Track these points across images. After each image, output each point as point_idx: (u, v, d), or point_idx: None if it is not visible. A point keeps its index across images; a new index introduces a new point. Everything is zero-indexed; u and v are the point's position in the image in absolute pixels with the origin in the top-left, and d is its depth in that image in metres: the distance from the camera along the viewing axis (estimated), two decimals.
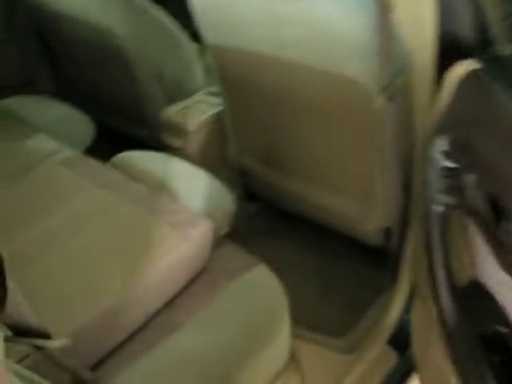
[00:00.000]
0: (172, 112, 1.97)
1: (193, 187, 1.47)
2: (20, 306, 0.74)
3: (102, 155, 1.67)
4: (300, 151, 1.68)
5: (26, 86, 2.34)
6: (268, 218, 2.08)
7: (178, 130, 1.93)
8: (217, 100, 1.92)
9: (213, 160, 2.00)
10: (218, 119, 1.93)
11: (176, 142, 1.96)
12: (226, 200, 1.50)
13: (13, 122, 1.79)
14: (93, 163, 1.55)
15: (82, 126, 1.94)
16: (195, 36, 1.85)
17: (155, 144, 2.06)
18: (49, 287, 1.18)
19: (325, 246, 1.91)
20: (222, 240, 1.42)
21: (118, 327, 1.17)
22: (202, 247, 1.29)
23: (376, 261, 1.78)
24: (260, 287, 1.32)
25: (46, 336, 0.76)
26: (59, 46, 2.28)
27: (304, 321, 1.55)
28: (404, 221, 1.66)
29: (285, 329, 1.27)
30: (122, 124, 2.26)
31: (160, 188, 1.42)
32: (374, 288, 1.73)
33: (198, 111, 1.98)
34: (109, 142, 2.23)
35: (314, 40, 1.32)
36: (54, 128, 1.85)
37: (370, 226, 1.64)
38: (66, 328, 1.09)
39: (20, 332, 0.73)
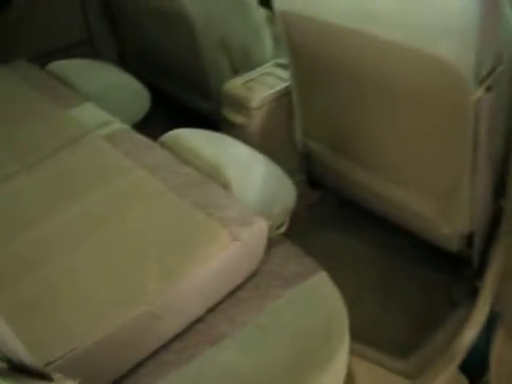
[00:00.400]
0: (235, 85, 1.79)
1: (250, 176, 1.28)
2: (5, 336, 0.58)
3: (155, 128, 1.51)
4: (374, 139, 1.48)
5: (84, 47, 2.22)
6: (331, 208, 1.89)
7: (241, 105, 1.75)
8: (286, 73, 1.72)
9: (276, 141, 1.81)
10: (285, 95, 1.74)
11: (237, 119, 1.78)
12: (287, 193, 1.31)
13: (63, 88, 1.65)
14: (141, 140, 1.39)
15: (137, 96, 1.78)
16: (264, 1, 1.66)
17: (215, 119, 1.89)
18: (74, 285, 1.04)
19: (392, 245, 1.71)
20: (277, 239, 1.24)
21: (151, 335, 1.02)
22: (253, 249, 1.12)
23: (452, 269, 1.57)
24: (318, 300, 1.14)
25: (45, 376, 0.60)
26: (122, 9, 2.13)
27: (360, 333, 1.36)
28: (492, 227, 1.44)
29: (343, 353, 1.09)
30: (182, 94, 2.10)
31: (211, 174, 1.24)
32: (446, 302, 1.52)
33: (263, 85, 1.80)
34: (165, 113, 2.07)
35: (406, 13, 1.11)
36: (107, 96, 1.70)
37: (449, 229, 1.42)
38: (92, 335, 0.95)
39: (16, 367, 0.59)
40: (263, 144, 1.78)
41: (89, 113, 1.52)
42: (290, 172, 1.85)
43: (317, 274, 1.17)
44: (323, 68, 1.47)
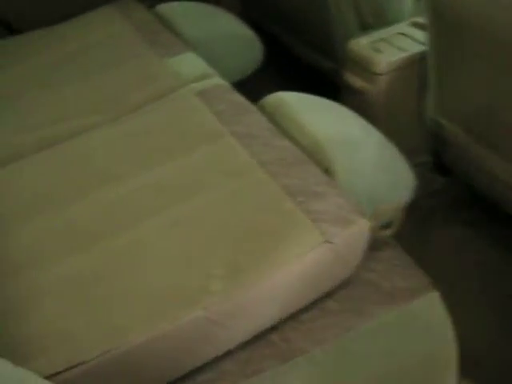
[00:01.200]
0: (361, 44, 1.54)
1: (359, 160, 1.03)
2: None
3: (265, 87, 1.30)
4: None
5: None
6: (457, 199, 1.60)
7: (364, 68, 1.50)
8: (423, 35, 1.44)
9: (401, 114, 1.56)
10: (419, 61, 1.47)
11: (359, 83, 1.53)
12: (404, 184, 1.06)
13: (167, 33, 1.47)
14: (238, 101, 1.18)
15: (248, 47, 1.56)
16: None
17: (337, 81, 1.65)
18: (134, 266, 0.87)
19: None
20: (384, 241, 1.00)
21: (207, 343, 0.84)
22: (348, 254, 0.89)
23: None
24: (424, 328, 0.90)
25: None
26: None
27: (471, 368, 1.11)
28: None
29: None
30: (303, 50, 1.87)
31: (314, 153, 1.02)
32: None
33: (394, 47, 1.53)
34: (280, 70, 1.85)
35: None
36: (214, 45, 1.51)
37: None
38: (140, 334, 0.78)
39: None
40: (385, 116, 1.53)
41: (189, 63, 1.34)
42: (412, 151, 1.59)
43: (428, 293, 0.93)
44: (470, 34, 1.19)
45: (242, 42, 1.56)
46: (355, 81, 1.54)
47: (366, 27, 1.60)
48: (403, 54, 1.48)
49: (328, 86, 1.75)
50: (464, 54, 1.23)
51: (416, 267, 0.97)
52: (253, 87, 1.36)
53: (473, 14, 1.14)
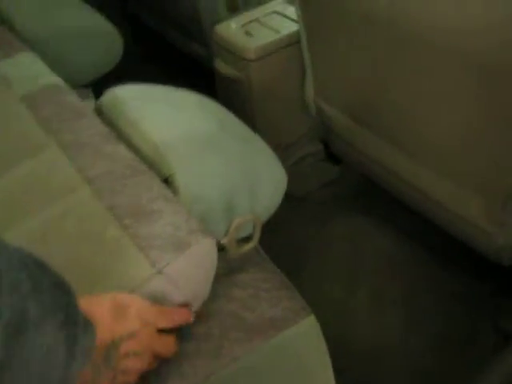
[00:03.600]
0: (230, 27, 1.37)
1: (211, 163, 0.85)
2: None
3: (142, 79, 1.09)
4: (406, 107, 1.04)
5: None
6: (353, 187, 1.47)
7: (234, 55, 1.33)
8: None
9: (283, 102, 1.39)
10: (295, 43, 1.31)
11: (230, 71, 1.37)
12: (272, 190, 0.89)
13: (3, 31, 1.26)
14: (70, 103, 0.99)
15: (104, 42, 1.36)
16: None
17: (212, 68, 1.48)
18: None
19: (425, 243, 1.29)
20: (248, 260, 0.82)
21: None
22: (192, 283, 0.71)
23: (503, 289, 1.16)
24: (298, 363, 0.74)
25: None
26: None
27: (377, 362, 0.98)
28: None
29: None
30: (175, 36, 1.69)
31: (154, 160, 0.83)
32: (493, 330, 1.11)
33: (267, 28, 1.37)
34: (157, 59, 1.68)
35: None
36: (60, 42, 1.30)
37: (503, 239, 1.00)
38: None
39: None
40: (263, 106, 1.37)
41: (21, 65, 1.13)
42: (301, 141, 1.45)
43: (301, 320, 0.76)
44: (338, 10, 1.03)
45: (97, 37, 1.35)
46: (226, 68, 1.37)
47: (234, 9, 1.44)
48: (276, 36, 1.32)
49: (204, 73, 1.59)
50: (333, 32, 1.09)
51: (288, 288, 0.80)
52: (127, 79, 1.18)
53: None
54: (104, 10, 1.57)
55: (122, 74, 1.35)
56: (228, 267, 0.80)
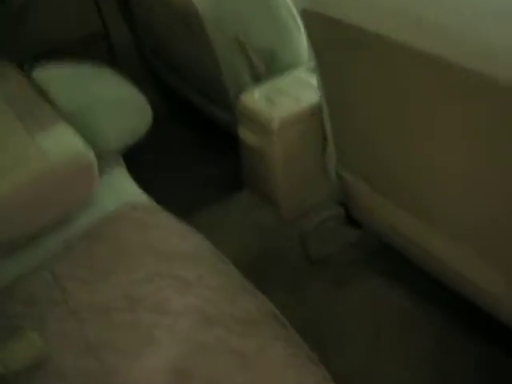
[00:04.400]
0: (254, 96, 1.43)
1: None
2: None
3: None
4: (425, 179, 1.08)
5: (99, 40, 1.93)
6: (373, 251, 1.51)
7: (257, 124, 1.39)
8: None
9: (305, 169, 1.45)
10: (318, 112, 1.37)
11: (253, 140, 1.42)
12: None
13: (37, 105, 1.32)
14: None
15: (135, 111, 1.41)
16: None
17: (236, 134, 1.54)
18: None
19: (445, 309, 1.31)
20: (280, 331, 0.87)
21: None
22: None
23: None
24: None
25: None
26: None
27: None
28: None
29: None
30: (200, 101, 1.76)
31: None
32: None
33: (291, 98, 1.42)
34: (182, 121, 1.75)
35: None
36: (94, 113, 1.37)
37: None
38: None
39: None
40: (286, 173, 1.43)
41: (59, 139, 1.20)
42: (323, 205, 1.50)
43: None
44: (354, 83, 1.09)
45: (127, 107, 1.41)
46: (250, 136, 1.43)
47: (259, 76, 1.50)
48: (298, 107, 1.38)
49: (230, 136, 1.65)
50: (351, 102, 1.14)
51: (312, 362, 0.86)
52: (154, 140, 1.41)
53: (352, 63, 1.04)
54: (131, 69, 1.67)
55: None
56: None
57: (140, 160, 1.53)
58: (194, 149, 1.89)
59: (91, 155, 1.14)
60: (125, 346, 0.89)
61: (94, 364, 0.88)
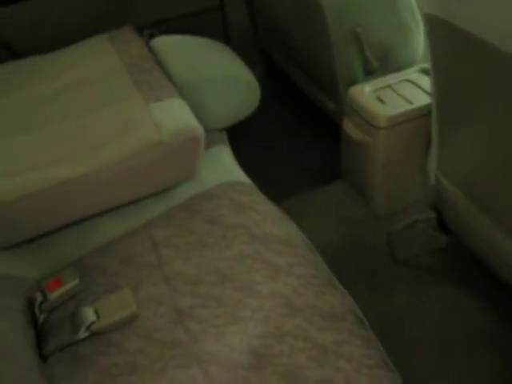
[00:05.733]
0: (363, 91, 1.44)
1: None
2: None
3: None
4: None
5: (215, 14, 1.97)
6: (456, 259, 1.49)
7: (364, 119, 1.40)
8: None
9: (405, 168, 1.45)
10: (426, 114, 1.36)
11: (358, 134, 1.43)
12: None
13: (153, 75, 1.37)
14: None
15: (244, 91, 1.44)
16: None
17: (340, 123, 1.55)
18: None
19: None
20: (358, 328, 0.90)
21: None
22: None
23: None
24: None
25: None
26: None
27: None
28: None
29: None
30: (308, 87, 1.77)
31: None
32: None
33: (400, 97, 1.42)
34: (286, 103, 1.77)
35: None
36: (205, 88, 1.40)
37: None
38: None
39: None
40: (386, 170, 1.43)
41: (172, 111, 1.24)
42: (415, 206, 1.49)
43: None
44: (470, 93, 1.07)
45: (238, 85, 1.45)
46: (354, 130, 1.43)
47: (371, 71, 1.50)
48: (407, 107, 1.37)
49: (331, 125, 1.66)
50: (463, 112, 1.12)
51: (388, 369, 0.87)
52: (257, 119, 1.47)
53: (471, 74, 1.02)
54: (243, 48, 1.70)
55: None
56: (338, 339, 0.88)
57: (240, 138, 1.57)
58: (294, 133, 1.91)
59: (200, 130, 1.18)
60: (211, 319, 0.93)
61: (179, 331, 0.93)
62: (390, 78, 1.47)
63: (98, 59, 1.45)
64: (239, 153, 1.44)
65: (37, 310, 1.01)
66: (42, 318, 1.01)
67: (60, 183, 1.09)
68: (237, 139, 1.48)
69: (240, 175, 1.27)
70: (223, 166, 1.29)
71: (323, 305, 0.95)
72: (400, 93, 1.42)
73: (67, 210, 1.13)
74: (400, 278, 1.46)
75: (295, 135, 1.91)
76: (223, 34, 2.02)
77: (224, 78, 1.43)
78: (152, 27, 1.76)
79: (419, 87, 1.43)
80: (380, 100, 1.40)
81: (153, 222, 1.13)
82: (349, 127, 1.45)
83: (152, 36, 1.69)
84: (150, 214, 1.16)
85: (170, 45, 1.52)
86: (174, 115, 1.21)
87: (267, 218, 1.12)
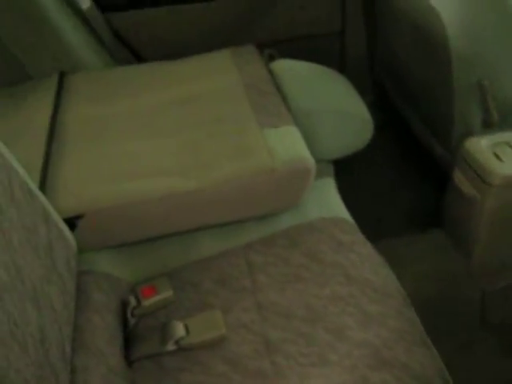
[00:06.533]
0: (480, 145, 1.39)
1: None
2: None
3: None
4: None
5: (333, 39, 1.96)
6: None
7: (476, 174, 1.35)
8: None
9: (508, 230, 1.39)
10: None
11: (467, 188, 1.39)
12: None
13: (271, 99, 1.37)
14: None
15: (357, 127, 1.44)
16: None
17: (447, 170, 1.52)
18: None
19: None
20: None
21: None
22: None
23: None
24: None
25: None
26: (384, 8, 1.81)
27: None
28: None
29: None
30: (419, 128, 1.74)
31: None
32: None
33: None
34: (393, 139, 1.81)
35: None
36: (319, 118, 1.41)
37: None
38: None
39: None
40: (491, 229, 1.38)
41: (286, 140, 1.24)
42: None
43: None
44: None
45: (351, 120, 1.44)
46: (465, 184, 1.39)
47: (490, 125, 1.45)
48: None
49: (436, 168, 1.63)
50: None
51: None
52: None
53: None
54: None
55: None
56: None
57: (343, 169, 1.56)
58: (395, 170, 1.88)
59: (312, 162, 1.18)
60: (298, 356, 0.93)
61: (265, 362, 0.93)
62: (510, 136, 1.42)
63: (218, 74, 1.48)
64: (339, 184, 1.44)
65: (129, 314, 1.04)
66: (132, 322, 1.04)
67: (169, 195, 1.12)
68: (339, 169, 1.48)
69: (343, 212, 1.26)
70: (328, 200, 1.28)
71: (413, 363, 0.92)
72: None
73: (169, 220, 1.16)
74: (485, 342, 1.41)
75: (396, 173, 1.88)
76: (340, 61, 2.01)
77: (339, 111, 1.43)
78: (269, 46, 1.78)
79: None
80: (497, 156, 1.35)
81: (252, 246, 1.14)
82: (459, 179, 1.41)
83: (271, 57, 1.71)
84: (249, 237, 1.17)
85: (289, 70, 1.53)
86: (288, 144, 1.21)
87: (366, 261, 1.11)
